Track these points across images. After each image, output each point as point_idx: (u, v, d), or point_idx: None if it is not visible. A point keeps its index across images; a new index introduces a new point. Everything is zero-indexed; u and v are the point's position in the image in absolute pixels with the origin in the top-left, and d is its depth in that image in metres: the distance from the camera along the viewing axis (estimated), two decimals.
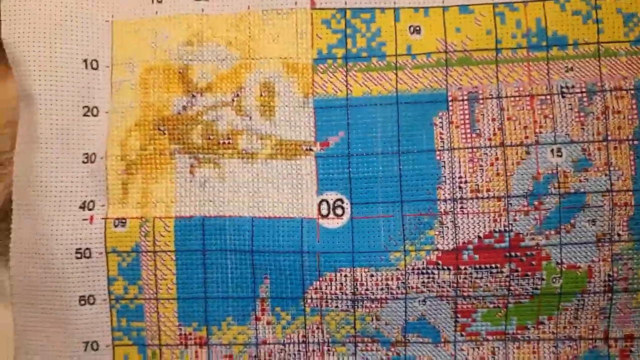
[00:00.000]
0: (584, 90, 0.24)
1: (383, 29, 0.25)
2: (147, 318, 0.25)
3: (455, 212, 0.24)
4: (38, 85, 0.25)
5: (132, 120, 0.25)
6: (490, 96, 0.25)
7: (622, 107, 0.24)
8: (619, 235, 0.24)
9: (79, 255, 0.25)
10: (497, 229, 0.24)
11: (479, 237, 0.24)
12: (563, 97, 0.24)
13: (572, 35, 0.25)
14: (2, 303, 0.28)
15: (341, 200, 0.25)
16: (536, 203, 0.24)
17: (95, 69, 0.26)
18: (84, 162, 0.25)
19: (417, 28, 0.25)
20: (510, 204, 0.24)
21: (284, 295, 0.25)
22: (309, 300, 0.24)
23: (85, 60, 0.26)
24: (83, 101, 0.26)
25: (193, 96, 0.25)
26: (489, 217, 0.24)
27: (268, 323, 0.25)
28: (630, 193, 0.24)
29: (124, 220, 0.25)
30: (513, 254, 0.24)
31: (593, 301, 0.24)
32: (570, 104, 0.24)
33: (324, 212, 0.25)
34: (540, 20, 0.25)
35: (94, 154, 0.25)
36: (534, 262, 0.24)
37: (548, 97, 0.24)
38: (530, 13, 0.25)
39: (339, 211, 0.25)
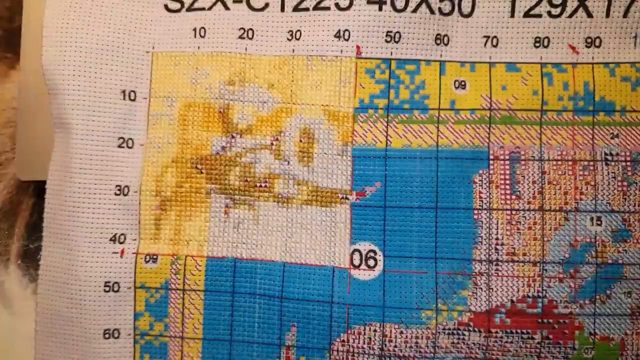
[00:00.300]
0: (628, 159, 0.24)
1: (427, 81, 0.25)
2: (171, 356, 0.25)
3: (490, 273, 0.24)
4: (76, 114, 0.25)
5: (169, 156, 0.25)
6: (532, 158, 0.24)
7: None
8: None
9: (107, 289, 0.25)
10: (530, 295, 0.24)
11: (512, 301, 0.24)
12: (607, 164, 0.24)
13: (620, 101, 0.24)
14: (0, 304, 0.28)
15: (374, 251, 0.25)
16: (572, 271, 0.24)
17: (133, 100, 0.26)
18: (116, 194, 0.25)
19: (463, 83, 0.25)
20: (546, 269, 0.24)
21: (310, 345, 0.24)
22: (335, 353, 0.24)
23: (123, 91, 0.26)
24: (118, 132, 0.26)
25: (232, 137, 0.25)
26: (523, 282, 0.24)
27: None
28: None
29: (155, 257, 0.25)
30: (545, 320, 0.24)
31: None
32: (613, 172, 0.24)
33: (356, 262, 0.25)
34: (589, 83, 0.25)
35: (126, 186, 0.25)
36: (566, 331, 0.24)
37: (591, 163, 0.24)
38: (579, 76, 0.25)
39: (371, 262, 0.25)
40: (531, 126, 0.25)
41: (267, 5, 0.26)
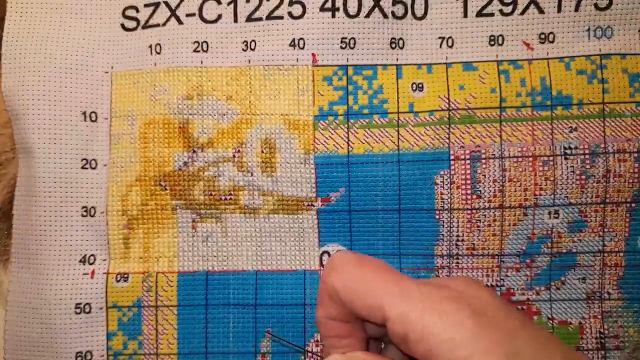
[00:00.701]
0: (587, 151, 0.25)
1: (385, 85, 0.25)
2: None
3: (451, 267, 0.25)
4: (37, 138, 0.25)
5: (132, 175, 0.26)
6: (493, 156, 0.25)
7: (623, 171, 0.25)
8: (609, 293, 0.25)
9: (78, 311, 0.25)
10: (489, 284, 0.25)
11: None
12: (566, 158, 0.25)
13: (577, 94, 0.25)
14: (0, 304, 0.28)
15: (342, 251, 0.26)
16: (528, 261, 0.25)
17: (94, 121, 0.26)
18: (83, 215, 0.26)
19: (420, 85, 0.25)
20: (503, 261, 0.25)
21: (285, 349, 0.25)
22: (310, 354, 0.25)
23: (84, 113, 0.26)
24: (81, 154, 0.26)
25: (194, 152, 0.25)
26: (482, 273, 0.25)
27: None
28: (622, 254, 0.25)
29: (126, 275, 0.26)
30: None
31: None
32: (572, 166, 0.25)
33: (326, 263, 0.26)
34: (545, 79, 0.25)
35: (93, 207, 0.26)
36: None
37: (551, 158, 0.25)
38: (535, 71, 0.25)
39: None
40: (491, 124, 0.25)
41: (220, 16, 0.25)
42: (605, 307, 0.25)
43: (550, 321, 0.25)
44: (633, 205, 0.25)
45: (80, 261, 0.26)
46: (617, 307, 0.25)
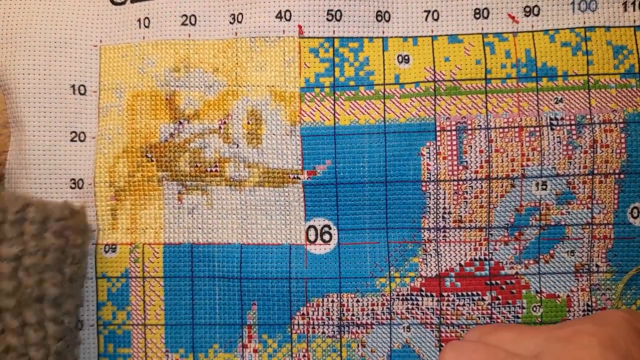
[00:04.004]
0: (573, 122, 0.26)
1: (371, 58, 0.27)
2: (134, 344, 0.28)
3: (438, 240, 0.27)
4: (28, 111, 0.28)
5: (119, 147, 0.27)
6: (479, 127, 0.27)
7: (610, 141, 0.26)
8: (597, 266, 0.26)
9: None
10: (477, 258, 0.27)
11: (460, 265, 0.27)
12: (552, 129, 0.26)
13: (562, 66, 0.27)
14: None
15: (328, 226, 0.27)
16: (516, 234, 0.27)
17: (83, 94, 0.28)
18: (71, 187, 0.28)
19: (406, 57, 0.27)
20: (491, 234, 0.27)
21: (271, 321, 0.27)
22: (296, 327, 0.27)
23: (73, 86, 0.28)
24: (70, 126, 0.28)
25: (180, 123, 0.27)
26: (469, 246, 0.27)
27: (255, 351, 0.27)
28: (611, 226, 0.26)
29: (114, 246, 0.27)
30: (493, 282, 0.27)
31: None
32: (558, 137, 0.26)
33: (312, 238, 0.27)
34: (530, 51, 0.27)
35: (81, 179, 0.28)
36: (514, 291, 0.27)
37: (537, 129, 0.26)
38: (520, 44, 0.27)
39: (326, 237, 0.27)
40: (476, 95, 0.27)
41: None
42: (594, 280, 0.27)
43: (539, 294, 0.27)
44: (621, 176, 0.26)
45: None
46: (605, 279, 0.27)
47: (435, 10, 0.28)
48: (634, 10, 0.27)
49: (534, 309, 0.27)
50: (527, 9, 0.28)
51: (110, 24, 0.29)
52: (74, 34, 0.28)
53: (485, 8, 0.28)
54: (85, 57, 0.28)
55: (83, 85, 0.29)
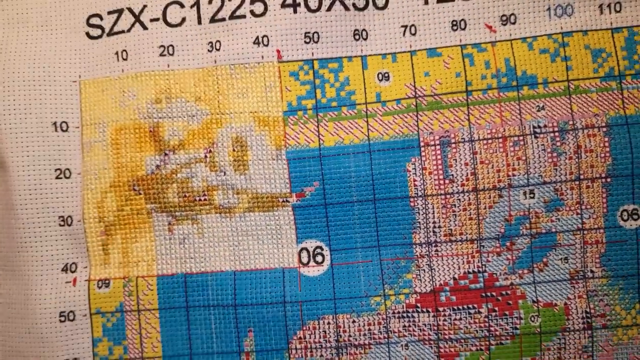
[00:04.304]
0: (556, 129, 0.26)
1: (351, 77, 0.27)
2: None
3: (431, 255, 0.27)
4: (10, 151, 0.28)
5: (106, 182, 0.28)
6: (463, 140, 0.27)
7: (594, 146, 0.26)
8: (592, 272, 0.27)
9: (63, 319, 0.27)
10: (471, 270, 0.27)
11: (454, 278, 0.27)
12: (536, 137, 0.26)
13: (542, 73, 0.27)
14: None
15: (321, 247, 0.27)
16: (508, 244, 0.27)
17: (65, 130, 0.28)
18: (60, 224, 0.28)
19: (386, 75, 0.27)
20: (483, 245, 0.27)
21: (269, 347, 0.27)
22: (294, 351, 0.27)
23: (54, 123, 0.28)
24: (55, 164, 0.28)
25: (165, 154, 0.27)
26: (462, 259, 0.27)
27: None
28: (602, 231, 0.26)
29: (107, 281, 0.27)
30: (489, 294, 0.27)
31: (574, 340, 0.27)
32: (542, 145, 0.26)
33: (305, 260, 0.27)
34: (509, 60, 0.27)
35: (69, 216, 0.28)
36: (510, 302, 0.27)
37: (521, 138, 0.27)
38: (499, 53, 0.27)
39: (319, 258, 0.27)
40: (458, 108, 0.27)
41: (184, 19, 0.28)
42: (590, 286, 0.27)
43: (535, 304, 0.27)
44: (608, 180, 0.26)
45: (62, 270, 0.28)
46: (601, 285, 0.27)
47: (413, 25, 0.28)
48: (610, 12, 0.28)
49: (532, 319, 0.27)
50: (504, 18, 0.28)
51: (88, 58, 0.29)
52: (52, 70, 0.29)
53: (463, 19, 0.28)
54: (65, 93, 0.29)
55: (65, 122, 0.29)
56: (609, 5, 0.28)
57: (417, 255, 0.28)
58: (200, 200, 0.28)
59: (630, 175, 0.27)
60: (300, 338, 0.28)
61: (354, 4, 0.28)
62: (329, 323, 0.28)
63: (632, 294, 0.27)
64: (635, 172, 0.27)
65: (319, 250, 0.28)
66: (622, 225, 0.27)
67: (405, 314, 0.28)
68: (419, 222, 0.28)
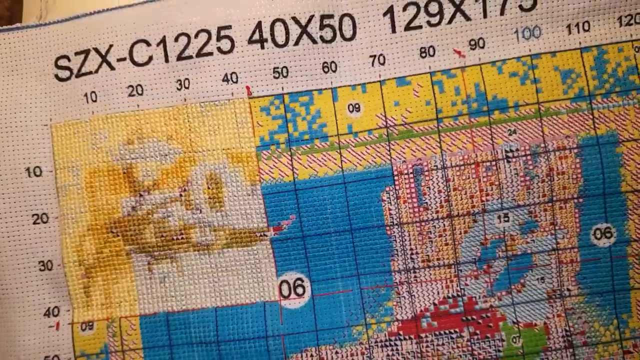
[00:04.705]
0: (528, 152, 0.27)
1: (322, 110, 0.28)
2: None
3: (410, 281, 0.27)
4: None
5: (84, 225, 0.28)
6: (435, 167, 0.27)
7: (566, 168, 0.27)
8: (569, 290, 0.27)
9: None
10: (450, 295, 0.27)
11: (435, 304, 0.27)
12: (508, 162, 0.27)
13: (512, 97, 0.27)
14: None
15: (301, 279, 0.28)
16: (485, 267, 0.27)
17: (39, 175, 0.28)
18: (41, 269, 0.28)
19: (357, 106, 0.27)
20: (460, 270, 0.27)
21: None
22: None
23: (27, 169, 0.28)
24: (31, 209, 0.28)
25: (140, 195, 0.28)
26: (441, 284, 0.27)
27: None
28: (576, 250, 0.27)
29: (91, 323, 0.28)
30: (469, 317, 0.27)
31: (557, 359, 0.27)
32: (515, 169, 0.27)
33: (285, 292, 0.28)
34: (479, 84, 0.27)
35: (49, 261, 0.28)
36: (491, 324, 0.27)
37: (493, 163, 0.27)
38: (468, 78, 0.27)
39: (299, 290, 0.28)
40: (429, 136, 0.27)
41: (150, 58, 0.28)
42: (568, 304, 0.27)
43: (516, 325, 0.27)
44: (580, 200, 0.27)
45: (44, 314, 0.28)
46: (579, 302, 0.27)
47: (381, 54, 0.28)
48: (579, 32, 0.28)
49: (514, 340, 0.28)
50: (473, 42, 0.28)
51: (58, 101, 0.29)
52: (23, 115, 0.29)
53: (431, 46, 0.28)
54: (37, 138, 0.29)
55: (38, 167, 0.29)
56: (577, 25, 0.28)
57: (396, 282, 0.28)
58: (177, 239, 0.29)
59: (602, 195, 0.27)
60: None
61: (321, 37, 0.28)
62: (312, 355, 0.28)
63: (609, 311, 0.28)
64: (606, 192, 0.27)
65: (299, 282, 0.29)
66: (595, 243, 0.28)
67: (387, 343, 0.28)
68: (397, 250, 0.28)
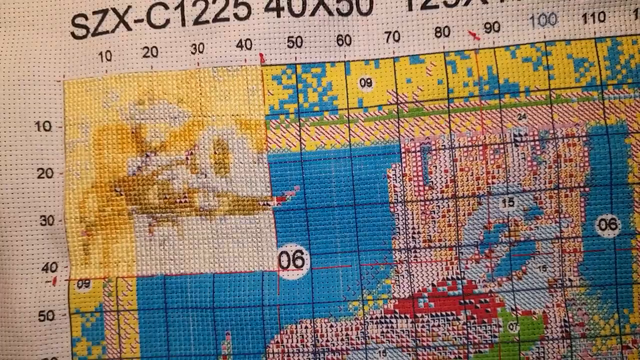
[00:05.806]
0: (536, 138, 0.27)
1: (334, 83, 0.28)
2: None
3: (410, 260, 0.28)
4: None
5: (88, 182, 0.28)
6: (443, 147, 0.27)
7: (573, 155, 0.27)
8: (570, 280, 0.27)
9: (42, 318, 0.28)
10: (449, 277, 0.27)
11: (433, 285, 0.28)
12: (516, 146, 0.27)
13: (524, 82, 0.28)
14: None
15: (301, 251, 0.28)
16: (487, 251, 0.27)
17: (48, 130, 0.29)
18: (42, 224, 0.28)
19: (368, 81, 0.28)
20: (462, 252, 0.28)
21: (246, 351, 0.28)
22: (271, 355, 0.28)
23: (37, 123, 0.29)
24: (37, 163, 0.29)
25: (147, 156, 0.28)
26: (441, 266, 0.28)
27: None
28: (580, 240, 0.27)
29: (87, 281, 0.28)
30: (467, 301, 0.27)
31: (553, 349, 0.28)
32: (523, 153, 0.27)
33: (284, 263, 0.28)
34: (492, 68, 0.27)
35: (51, 216, 0.28)
36: (489, 309, 0.27)
37: (501, 146, 0.27)
38: (482, 61, 0.28)
39: (298, 262, 0.28)
40: (439, 115, 0.28)
41: (167, 21, 0.28)
42: (568, 294, 0.28)
43: (514, 312, 0.28)
44: (586, 189, 0.27)
45: (42, 269, 0.29)
46: (580, 294, 0.28)
47: (396, 31, 0.29)
48: (594, 22, 0.28)
49: (511, 327, 0.28)
50: (488, 26, 0.28)
51: (72, 58, 0.30)
52: (36, 70, 0.30)
53: (446, 26, 0.29)
54: (49, 93, 0.30)
55: (48, 122, 0.29)
56: (593, 15, 0.28)
57: (396, 261, 0.29)
58: (180, 202, 0.29)
59: (609, 185, 0.28)
60: (277, 342, 0.29)
61: (337, 9, 0.29)
62: (306, 327, 0.29)
63: (610, 304, 0.28)
64: (613, 182, 0.28)
65: (298, 254, 0.29)
66: (600, 234, 0.28)
67: (383, 320, 0.29)
68: (399, 228, 0.29)
